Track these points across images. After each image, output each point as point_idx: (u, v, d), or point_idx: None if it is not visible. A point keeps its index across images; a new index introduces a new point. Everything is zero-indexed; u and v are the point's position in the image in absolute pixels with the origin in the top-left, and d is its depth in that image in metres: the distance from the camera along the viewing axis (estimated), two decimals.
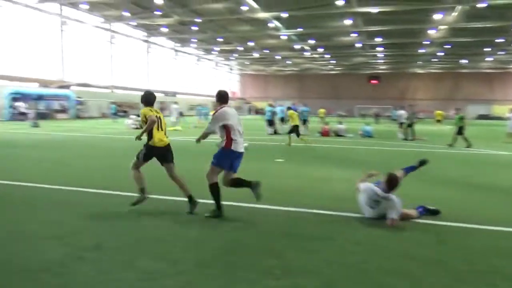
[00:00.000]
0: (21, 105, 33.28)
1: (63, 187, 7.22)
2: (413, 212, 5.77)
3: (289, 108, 16.95)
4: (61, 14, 42.65)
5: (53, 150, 13.21)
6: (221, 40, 55.77)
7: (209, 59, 76.14)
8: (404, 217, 5.58)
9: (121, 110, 46.96)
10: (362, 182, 5.96)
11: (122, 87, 52.84)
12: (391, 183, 5.60)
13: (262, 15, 38.67)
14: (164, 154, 5.77)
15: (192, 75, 72.59)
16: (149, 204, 6.10)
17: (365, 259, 4.23)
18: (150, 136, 5.68)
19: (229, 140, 5.49)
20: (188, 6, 39.93)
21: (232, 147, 5.50)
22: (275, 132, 22.09)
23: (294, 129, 15.50)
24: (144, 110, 5.78)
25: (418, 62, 69.49)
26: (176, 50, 65.31)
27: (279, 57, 68.39)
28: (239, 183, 5.60)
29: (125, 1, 38.93)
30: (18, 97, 34.02)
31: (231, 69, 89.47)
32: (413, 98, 77.82)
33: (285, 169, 9.92)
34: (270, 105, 23.50)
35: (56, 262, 3.93)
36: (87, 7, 41.62)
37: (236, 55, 68.95)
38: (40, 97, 36.28)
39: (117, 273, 3.73)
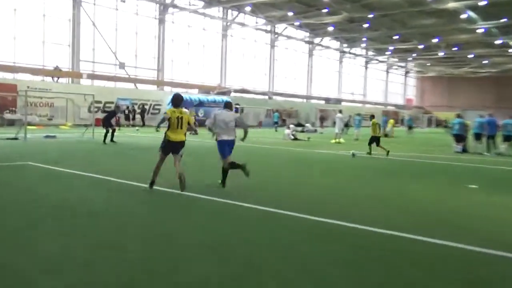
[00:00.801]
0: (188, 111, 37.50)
1: (223, 200, 7.84)
2: None
3: (372, 117, 18.07)
4: (225, 17, 47.28)
5: (203, 158, 14.58)
6: (397, 37, 54.13)
7: (380, 61, 74.57)
8: None
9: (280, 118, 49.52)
10: None
11: (281, 93, 55.55)
12: None
13: (453, 5, 36.20)
14: (176, 147, 8.31)
15: (359, 80, 72.12)
16: (313, 228, 6.21)
17: None
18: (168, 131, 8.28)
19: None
20: (359, 1, 39.96)
21: (218, 138, 8.75)
22: (464, 151, 20.25)
23: (374, 140, 17.00)
24: (168, 110, 8.42)
25: None
26: (342, 52, 65.86)
27: (472, 56, 62.92)
28: (233, 165, 8.66)
29: (290, 0, 41.02)
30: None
31: (406, 72, 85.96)
32: None
33: (479, 198, 8.95)
34: (459, 116, 21.66)
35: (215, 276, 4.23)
36: (250, 8, 45.19)
37: (415, 55, 65.98)
38: (200, 104, 40.61)
39: None
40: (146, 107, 37.94)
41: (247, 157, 15.57)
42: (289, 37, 55.85)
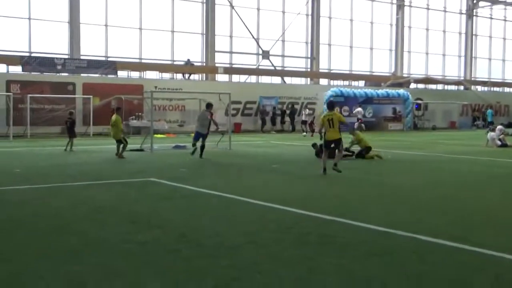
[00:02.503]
0: (359, 111, 37.01)
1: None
2: None
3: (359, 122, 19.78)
4: None
5: (378, 174, 14.28)
6: None
7: None
8: None
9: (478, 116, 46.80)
10: None
11: (483, 81, 52.38)
12: None
13: None
14: (333, 143, 13.72)
15: None
16: None
17: None
18: (325, 133, 13.91)
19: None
20: None
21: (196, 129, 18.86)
22: None
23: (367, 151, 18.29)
24: (321, 117, 14.43)
25: None
26: None
27: None
28: (202, 148, 18.11)
29: None
30: (340, 100, 38.62)
31: None
32: None
33: None
34: None
35: None
36: None
37: None
38: (367, 100, 40.02)
39: None
40: (297, 106, 38.56)
41: (433, 175, 14.92)
42: (494, 1, 52.53)
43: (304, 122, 35.08)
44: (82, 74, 32.72)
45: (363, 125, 30.65)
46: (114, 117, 19.09)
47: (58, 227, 7.93)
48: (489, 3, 52.71)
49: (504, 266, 6.07)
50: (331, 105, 14.94)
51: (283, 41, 41.79)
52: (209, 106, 18.89)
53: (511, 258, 6.25)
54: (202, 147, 17.99)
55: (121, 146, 18.38)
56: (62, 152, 19.90)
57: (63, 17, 33.50)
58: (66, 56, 33.24)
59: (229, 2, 38.77)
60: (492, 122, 37.82)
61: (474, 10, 52.07)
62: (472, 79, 51.93)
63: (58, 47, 33.62)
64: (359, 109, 36.56)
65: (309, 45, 42.90)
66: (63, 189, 11.65)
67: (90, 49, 34.63)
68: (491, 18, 53.95)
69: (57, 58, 32.27)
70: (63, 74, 32.22)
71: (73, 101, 30.91)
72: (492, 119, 38.46)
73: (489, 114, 39.66)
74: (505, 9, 54.43)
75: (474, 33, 52.33)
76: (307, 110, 35.90)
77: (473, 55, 52.48)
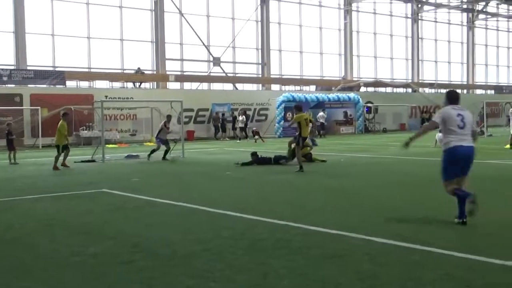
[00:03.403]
0: (321, 115, 37.64)
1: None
2: None
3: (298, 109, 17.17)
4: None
5: (330, 177, 14.42)
6: None
7: None
8: None
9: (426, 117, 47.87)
10: None
11: (430, 83, 53.62)
12: None
13: None
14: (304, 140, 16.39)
15: None
16: None
17: None
18: (300, 130, 15.66)
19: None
20: None
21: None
22: None
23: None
24: (296, 116, 16.24)
25: None
26: None
27: None
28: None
29: None
30: (291, 105, 38.90)
31: None
32: None
33: None
34: None
35: None
36: None
37: None
38: (319, 104, 40.41)
39: None
40: (249, 113, 38.60)
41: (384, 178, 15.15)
42: (438, 5, 53.87)
43: (242, 129, 35.38)
44: (29, 85, 31.89)
45: (314, 129, 30.63)
46: (59, 122, 18.47)
47: (7, 241, 7.76)
48: (433, 7, 54.04)
49: (453, 263, 6.22)
50: (300, 108, 17.05)
51: (234, 47, 41.86)
52: (168, 117, 21.75)
53: (460, 256, 6.43)
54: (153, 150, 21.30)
55: (55, 156, 17.90)
56: (9, 166, 19.35)
57: (8, 27, 32.65)
58: (12, 67, 32.39)
59: (178, 9, 38.60)
60: None
61: (419, 14, 53.28)
62: (420, 81, 53.04)
63: (4, 58, 32.78)
64: (321, 113, 37.51)
65: (260, 51, 43.09)
66: (12, 203, 11.33)
67: (37, 59, 33.86)
68: (435, 21, 55.34)
69: (2, 69, 31.43)
70: (9, 85, 31.39)
71: (20, 112, 30.17)
72: None
73: None
74: (449, 12, 55.97)
75: (420, 36, 53.53)
76: (243, 116, 36.10)
77: (419, 58, 53.65)
